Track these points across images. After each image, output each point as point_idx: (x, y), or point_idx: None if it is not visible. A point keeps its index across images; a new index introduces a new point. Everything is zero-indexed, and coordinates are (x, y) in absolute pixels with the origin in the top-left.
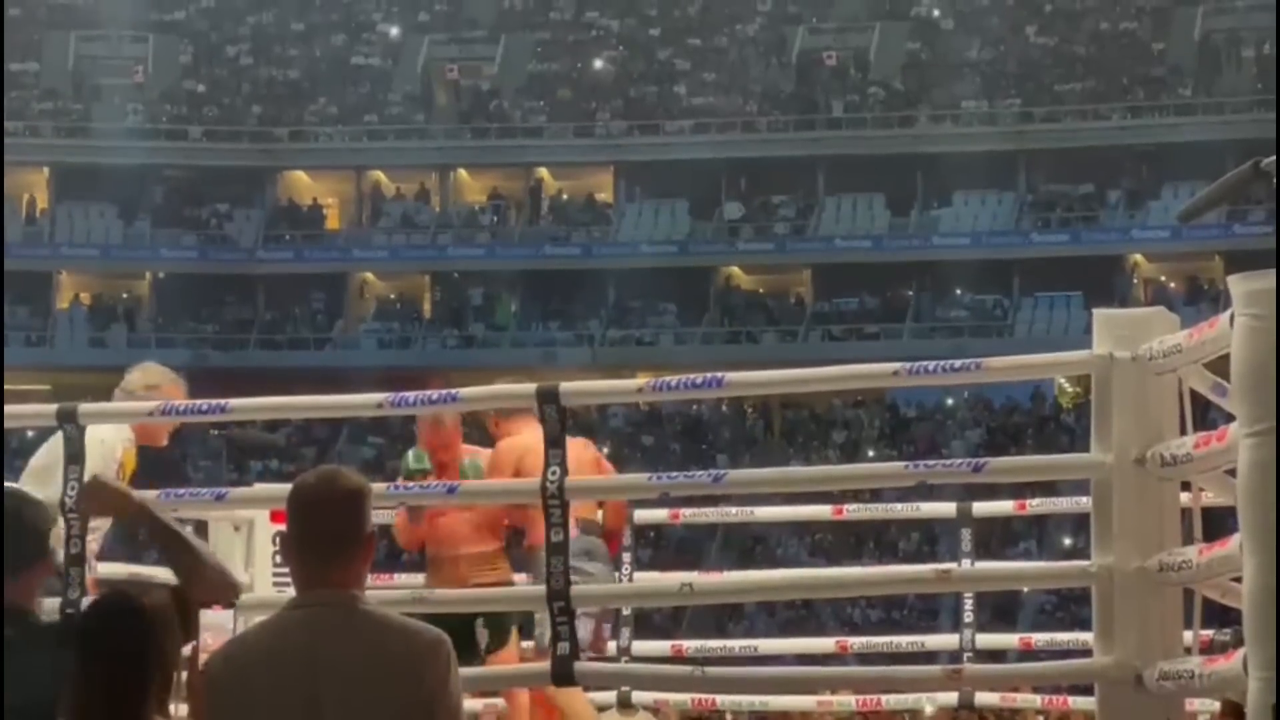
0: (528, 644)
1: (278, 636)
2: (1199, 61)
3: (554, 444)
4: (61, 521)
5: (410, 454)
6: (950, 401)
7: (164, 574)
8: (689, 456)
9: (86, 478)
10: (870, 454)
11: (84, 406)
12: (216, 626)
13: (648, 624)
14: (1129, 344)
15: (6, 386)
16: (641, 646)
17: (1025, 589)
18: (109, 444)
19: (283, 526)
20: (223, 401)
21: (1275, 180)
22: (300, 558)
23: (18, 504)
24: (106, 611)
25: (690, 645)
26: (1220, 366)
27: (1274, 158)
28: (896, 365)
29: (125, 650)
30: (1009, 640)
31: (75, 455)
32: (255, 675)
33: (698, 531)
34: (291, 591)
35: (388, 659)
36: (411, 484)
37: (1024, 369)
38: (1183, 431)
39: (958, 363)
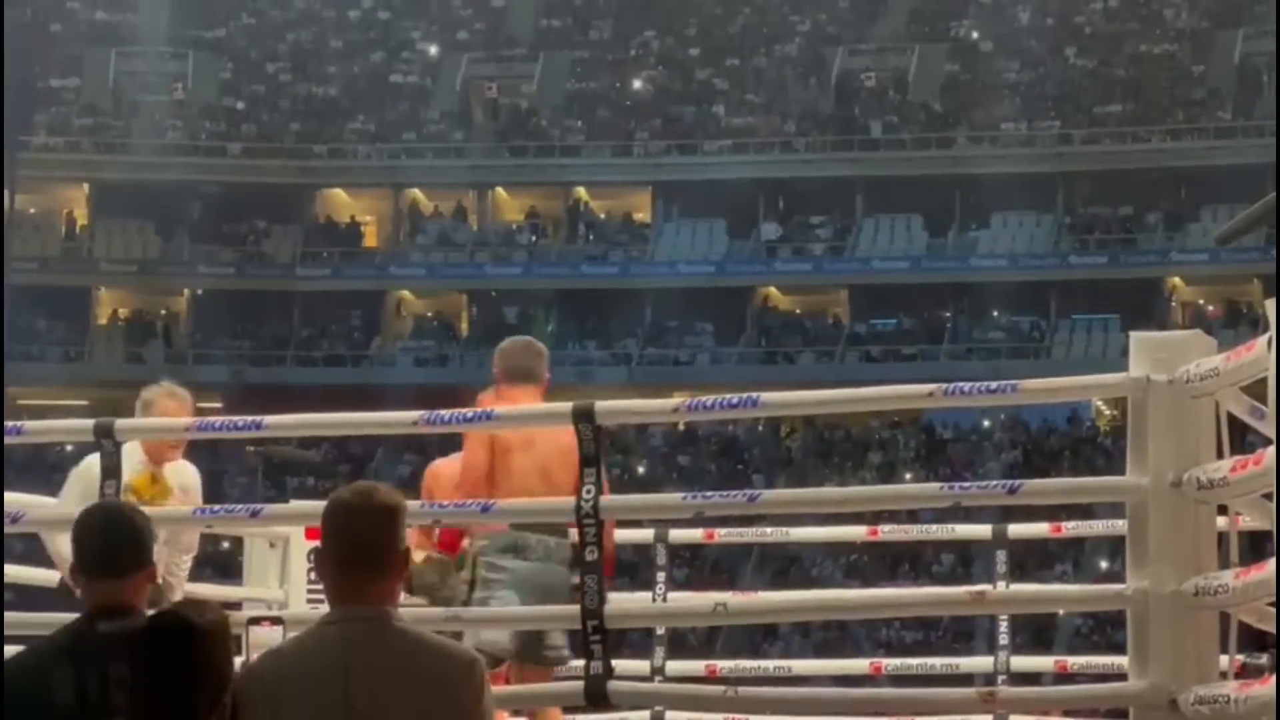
0: None
1: (312, 652)
2: (1238, 84)
3: (589, 463)
4: None
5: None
6: (986, 423)
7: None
8: (725, 476)
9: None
10: (906, 475)
11: (120, 422)
12: (265, 643)
13: (682, 644)
14: (1166, 367)
15: (44, 402)
16: (675, 666)
17: (1061, 612)
18: (89, 475)
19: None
20: (258, 419)
21: None
22: (334, 573)
23: (128, 512)
24: (163, 629)
25: (724, 665)
26: (1258, 390)
27: None
28: (932, 386)
29: (179, 668)
30: (1044, 663)
31: (112, 470)
32: (289, 690)
33: (733, 552)
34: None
35: (422, 677)
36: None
37: (1060, 391)
38: (1219, 455)
39: (993, 384)
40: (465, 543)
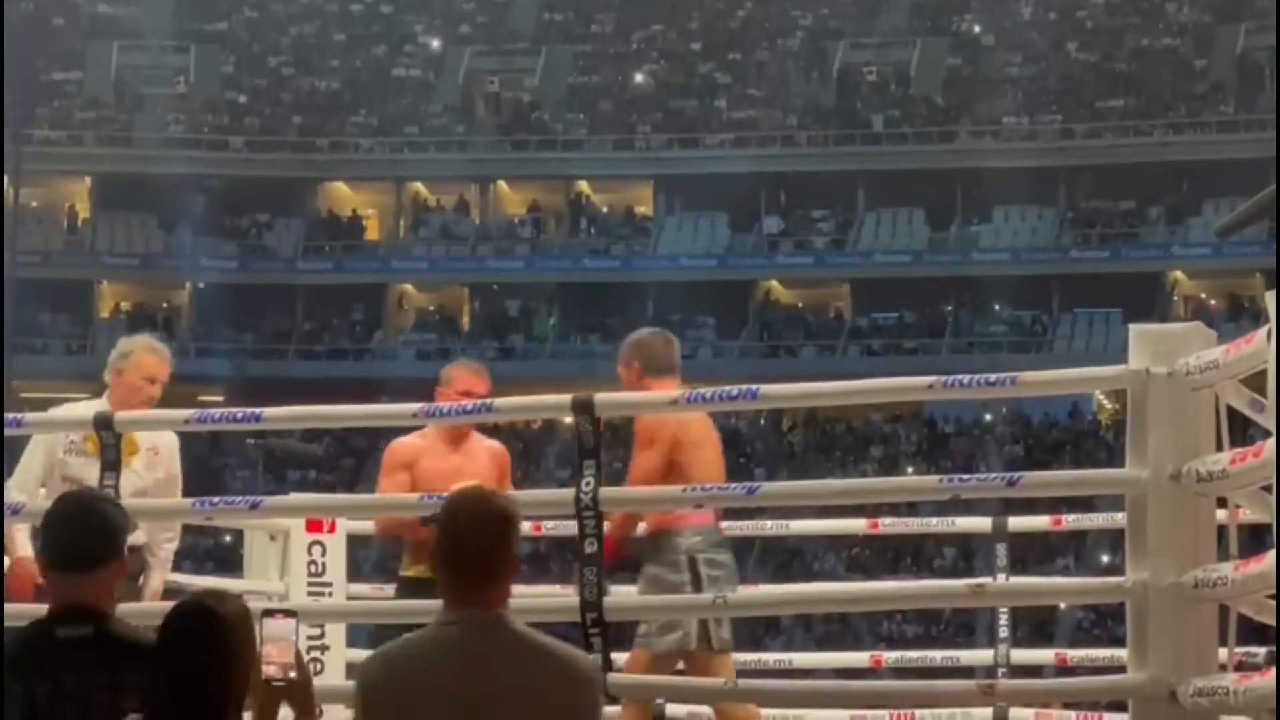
0: None
1: (431, 652)
2: (1240, 78)
3: (589, 454)
4: None
5: None
6: (988, 417)
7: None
8: (727, 470)
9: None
10: (908, 469)
11: (120, 414)
12: (280, 637)
13: None
14: (1165, 359)
15: (47, 395)
16: None
17: (1062, 606)
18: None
19: (318, 536)
20: (257, 410)
21: None
22: (450, 576)
23: (95, 502)
24: (186, 619)
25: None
26: (1258, 382)
27: None
28: (931, 379)
29: (204, 658)
30: (1045, 656)
31: (113, 463)
32: (412, 687)
33: (735, 546)
34: (327, 600)
35: (544, 684)
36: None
37: (1059, 384)
38: (1219, 447)
39: (993, 377)
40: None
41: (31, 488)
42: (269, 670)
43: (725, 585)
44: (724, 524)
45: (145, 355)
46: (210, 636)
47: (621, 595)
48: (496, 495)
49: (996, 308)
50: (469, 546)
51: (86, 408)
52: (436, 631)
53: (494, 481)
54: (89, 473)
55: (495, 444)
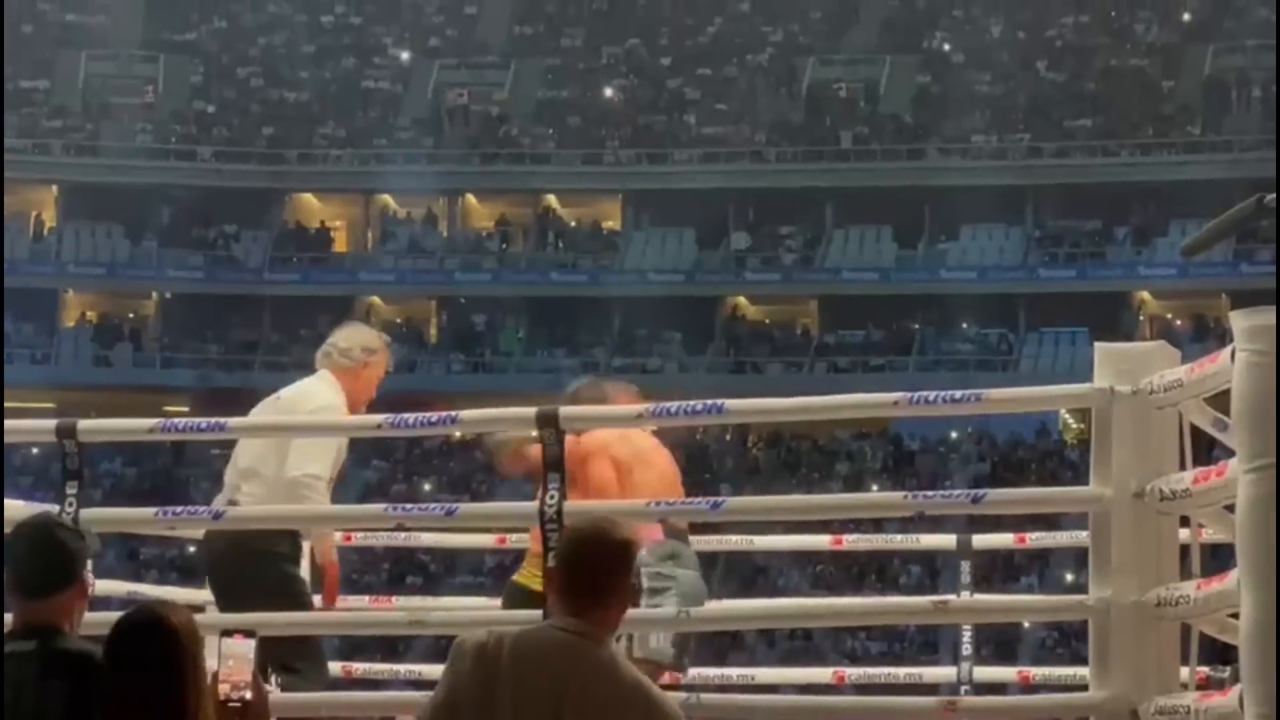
0: None
1: (537, 645)
2: (1207, 100)
3: (553, 467)
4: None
5: None
6: (954, 435)
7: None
8: (692, 485)
9: (328, 454)
10: (873, 486)
11: (84, 423)
12: (237, 656)
13: None
14: (1130, 378)
15: (11, 404)
16: None
17: (1026, 623)
18: (338, 414)
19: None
20: (221, 420)
21: (1277, 216)
22: (565, 594)
23: (51, 528)
24: (136, 628)
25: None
26: (1221, 402)
27: (1275, 194)
28: (898, 395)
29: (158, 667)
30: (1008, 674)
31: (75, 472)
32: (506, 674)
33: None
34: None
35: (626, 712)
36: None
37: (1024, 401)
38: (1182, 466)
39: (958, 394)
40: None
41: (327, 474)
42: (224, 689)
43: (668, 598)
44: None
45: (387, 354)
46: (158, 645)
47: None
48: (618, 524)
49: (964, 326)
50: (587, 569)
51: (330, 392)
52: (542, 629)
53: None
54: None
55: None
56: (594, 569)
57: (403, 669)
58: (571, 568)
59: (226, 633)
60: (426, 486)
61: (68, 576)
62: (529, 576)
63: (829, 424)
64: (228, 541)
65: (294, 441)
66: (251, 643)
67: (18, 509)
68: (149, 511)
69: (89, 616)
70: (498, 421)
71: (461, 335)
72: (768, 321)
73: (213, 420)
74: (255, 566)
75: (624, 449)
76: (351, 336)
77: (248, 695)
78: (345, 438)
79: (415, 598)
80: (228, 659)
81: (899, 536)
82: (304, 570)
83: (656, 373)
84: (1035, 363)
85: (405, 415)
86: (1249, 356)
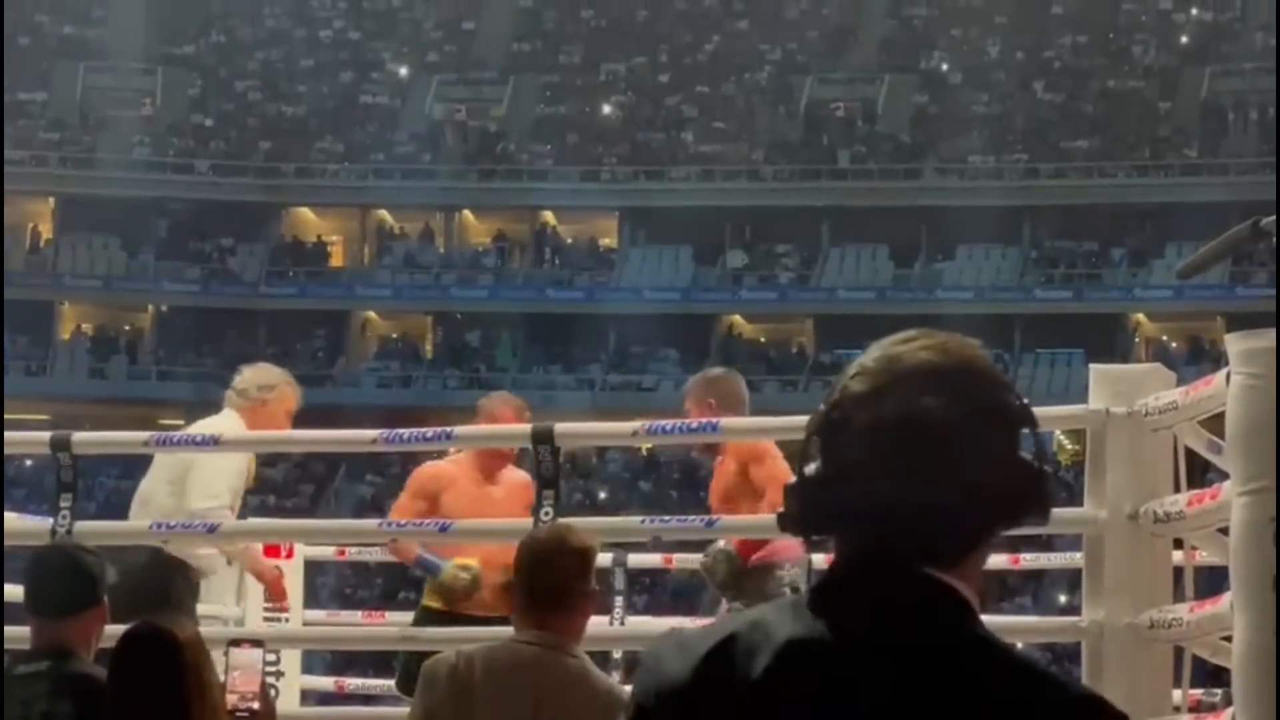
0: None
1: (507, 661)
2: (1204, 122)
3: (548, 484)
4: None
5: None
6: None
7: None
8: (686, 503)
9: (232, 486)
10: None
11: (78, 436)
12: (245, 666)
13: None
14: (1125, 399)
15: (6, 415)
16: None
17: (1019, 644)
18: (231, 455)
19: (275, 560)
20: (214, 435)
21: (1275, 239)
22: (528, 601)
23: (74, 552)
24: (142, 643)
25: None
26: (1216, 424)
27: (1274, 217)
28: None
29: (163, 682)
30: None
31: (69, 485)
32: (480, 693)
33: (695, 580)
34: (284, 625)
35: (598, 714)
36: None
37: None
38: (1176, 489)
39: None
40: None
41: (228, 502)
42: (233, 699)
43: None
44: (680, 555)
45: (287, 389)
46: (163, 660)
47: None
48: (575, 531)
49: None
50: (547, 577)
51: (235, 426)
52: (509, 645)
53: (518, 515)
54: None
55: (526, 476)
56: (555, 578)
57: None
58: (532, 578)
59: (234, 643)
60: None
61: (89, 599)
62: (435, 598)
63: None
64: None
65: (191, 475)
66: (259, 653)
67: (12, 522)
68: (142, 525)
69: None
70: (494, 438)
71: (457, 351)
72: (763, 340)
73: (206, 435)
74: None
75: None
76: (249, 377)
77: (255, 705)
78: (247, 469)
79: (409, 613)
80: (235, 669)
81: None
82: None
83: (651, 390)
84: (1030, 383)
85: (400, 430)
86: (1244, 380)
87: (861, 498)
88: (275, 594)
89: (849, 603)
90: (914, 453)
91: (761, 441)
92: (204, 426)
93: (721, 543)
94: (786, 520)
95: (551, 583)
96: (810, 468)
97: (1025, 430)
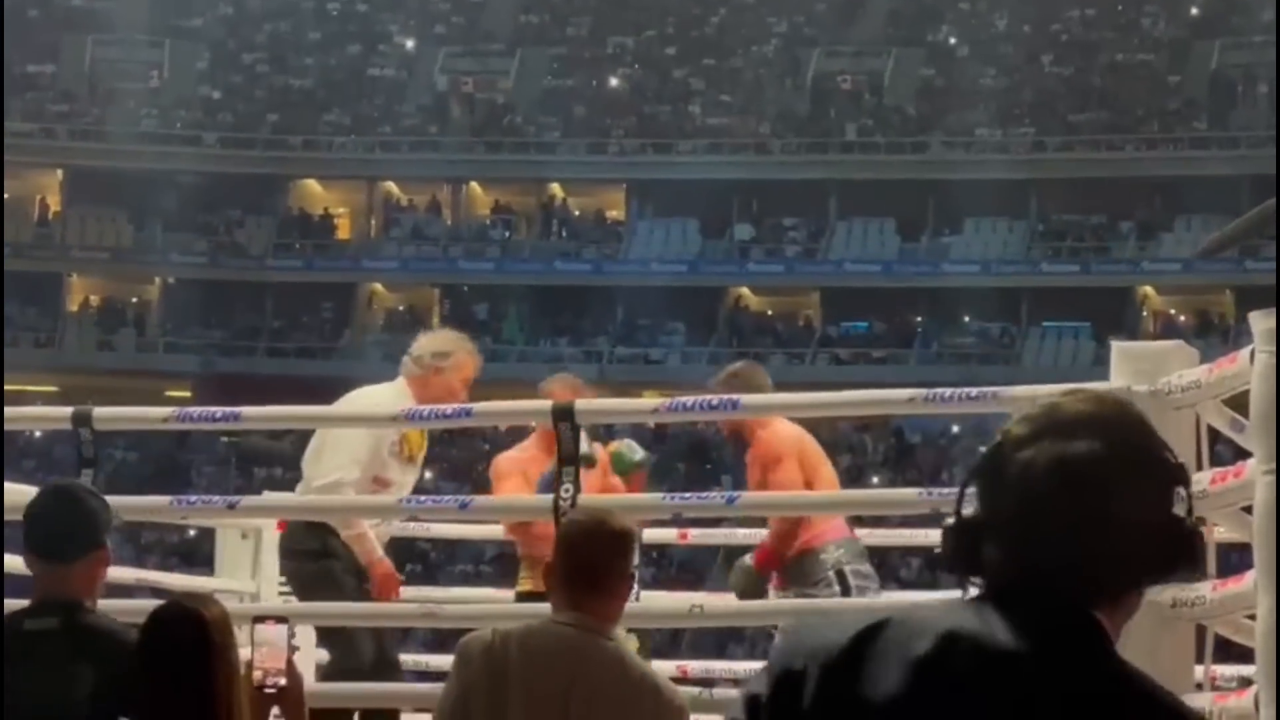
0: None
1: (544, 643)
2: (1213, 95)
3: (567, 460)
4: None
5: (625, 446)
6: (956, 429)
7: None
8: (693, 476)
9: (356, 458)
10: (874, 480)
11: (99, 411)
12: (271, 643)
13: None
14: (1147, 377)
15: (14, 387)
16: None
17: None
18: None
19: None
20: (235, 410)
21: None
22: (566, 585)
23: (79, 494)
24: (168, 622)
25: (694, 666)
26: (1239, 403)
27: None
28: (912, 392)
29: (190, 661)
30: None
31: (90, 460)
32: (515, 672)
33: (701, 553)
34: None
35: (636, 705)
36: (425, 498)
37: (1040, 399)
38: (1199, 467)
39: (974, 391)
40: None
41: (349, 475)
42: (259, 676)
43: (875, 596)
44: (696, 531)
45: (465, 357)
46: (194, 639)
47: None
48: (615, 514)
49: (966, 319)
50: (585, 559)
51: (392, 395)
52: (546, 625)
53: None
54: (404, 479)
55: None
56: (594, 561)
57: (410, 660)
58: (571, 560)
59: (259, 619)
60: (428, 474)
61: (92, 541)
62: (529, 581)
63: (831, 417)
64: (282, 545)
65: (322, 446)
66: (284, 629)
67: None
68: (164, 500)
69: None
70: (513, 414)
71: (464, 324)
72: (770, 313)
73: (227, 410)
74: (294, 563)
75: (810, 447)
76: (424, 344)
77: (282, 681)
78: (389, 438)
79: (424, 588)
80: (261, 645)
81: (905, 531)
82: (245, 568)
83: (659, 363)
84: (1037, 357)
85: (420, 408)
86: (1268, 358)
87: (1012, 541)
88: (383, 591)
89: (1002, 611)
90: (1063, 495)
91: (783, 447)
92: (370, 393)
93: (747, 559)
94: (943, 561)
95: (590, 565)
96: (968, 510)
97: (1180, 488)
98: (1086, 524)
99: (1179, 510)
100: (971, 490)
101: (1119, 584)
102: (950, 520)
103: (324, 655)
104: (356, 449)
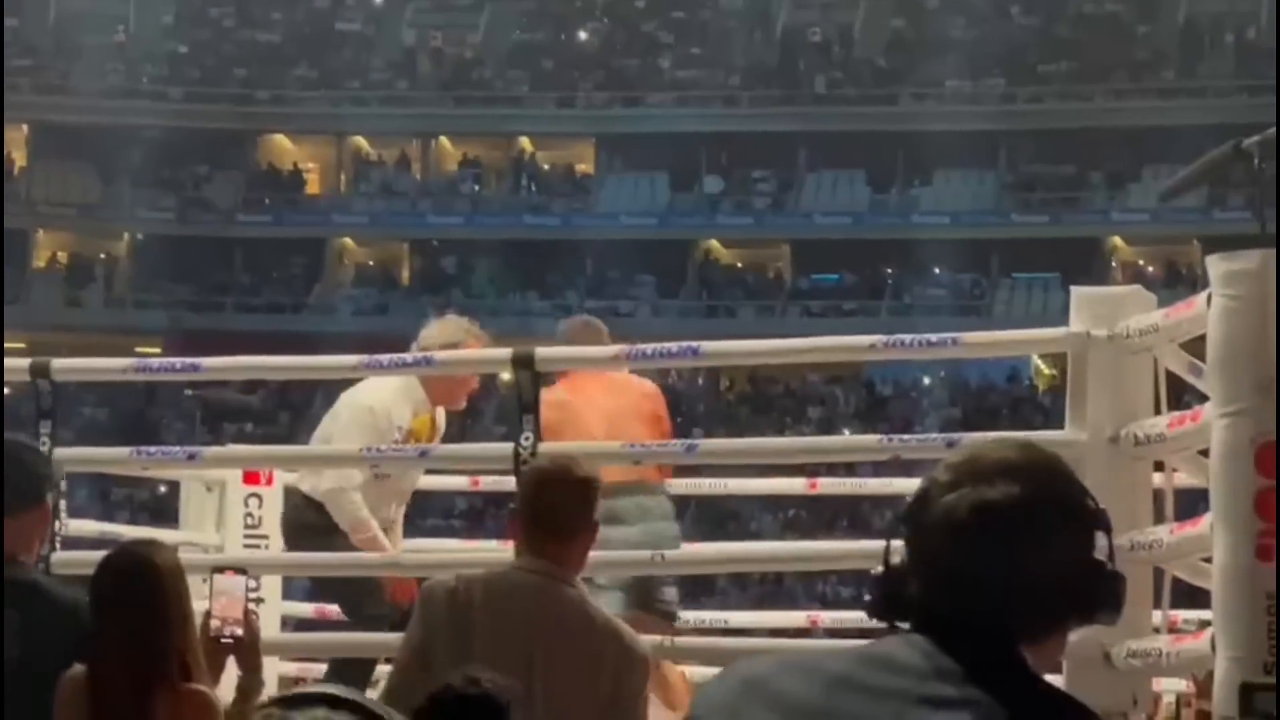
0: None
1: (506, 590)
2: (1182, 45)
3: (528, 409)
4: None
5: None
6: (927, 380)
7: (137, 533)
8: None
9: (359, 446)
10: (845, 431)
11: (58, 362)
12: (228, 593)
13: None
14: (1105, 322)
15: None
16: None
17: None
18: (380, 412)
19: (255, 488)
20: (196, 360)
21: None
22: (530, 530)
23: (17, 446)
24: (121, 568)
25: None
26: (1197, 347)
27: (1255, 138)
28: (874, 339)
29: (144, 608)
30: None
31: (48, 412)
32: (478, 618)
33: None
34: (263, 551)
35: (598, 649)
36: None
37: (1000, 345)
38: (1157, 411)
39: (934, 337)
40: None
41: (355, 484)
42: (217, 625)
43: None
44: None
45: (474, 343)
46: (144, 584)
47: None
48: (579, 462)
49: (936, 271)
50: (548, 506)
51: (397, 392)
52: (509, 572)
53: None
54: (409, 474)
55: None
56: (557, 508)
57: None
58: (534, 508)
59: (218, 569)
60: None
61: (31, 497)
62: None
63: (802, 368)
64: (285, 518)
65: (335, 432)
66: (242, 579)
67: None
68: (124, 451)
69: (63, 556)
70: (474, 363)
71: (433, 278)
72: (740, 265)
73: (187, 360)
74: (298, 539)
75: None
76: (434, 333)
77: (239, 631)
78: (390, 436)
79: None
80: (219, 595)
81: (873, 481)
82: (210, 519)
83: (629, 316)
84: (1008, 308)
85: (379, 356)
86: (1225, 302)
87: (937, 584)
88: (397, 594)
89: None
90: (984, 539)
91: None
92: (375, 387)
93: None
94: (870, 608)
95: (553, 512)
96: (895, 559)
97: (1100, 533)
98: (1006, 567)
99: (1100, 555)
100: (897, 542)
101: (1040, 626)
102: (878, 568)
103: (292, 607)
104: (370, 444)
